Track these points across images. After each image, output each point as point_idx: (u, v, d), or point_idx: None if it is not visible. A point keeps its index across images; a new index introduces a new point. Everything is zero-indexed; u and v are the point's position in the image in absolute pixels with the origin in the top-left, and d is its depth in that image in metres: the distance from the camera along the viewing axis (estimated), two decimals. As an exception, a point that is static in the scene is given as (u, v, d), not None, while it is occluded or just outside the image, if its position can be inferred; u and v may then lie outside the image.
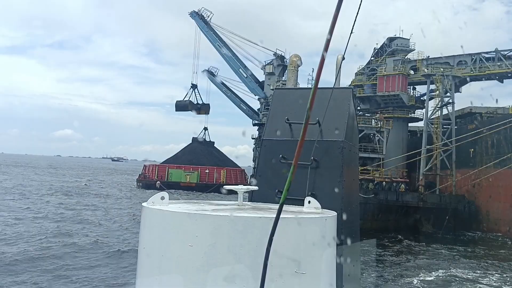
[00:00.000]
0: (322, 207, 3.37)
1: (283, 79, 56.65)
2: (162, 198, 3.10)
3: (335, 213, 3.14)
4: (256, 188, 3.60)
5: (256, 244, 2.78)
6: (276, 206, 3.59)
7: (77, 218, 30.53)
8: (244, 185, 3.54)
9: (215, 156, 71.78)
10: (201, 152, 69.98)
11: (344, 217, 3.68)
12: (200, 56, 71.14)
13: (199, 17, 63.53)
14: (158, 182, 47.70)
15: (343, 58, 4.03)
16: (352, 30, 3.30)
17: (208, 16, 63.76)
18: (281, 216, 2.97)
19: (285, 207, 3.52)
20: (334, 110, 3.98)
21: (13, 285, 14.61)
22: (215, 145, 77.11)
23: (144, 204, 3.06)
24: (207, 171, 64.92)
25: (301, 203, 3.49)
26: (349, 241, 3.86)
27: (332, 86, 4.25)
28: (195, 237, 2.77)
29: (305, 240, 2.87)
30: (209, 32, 63.13)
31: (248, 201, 3.97)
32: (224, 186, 3.58)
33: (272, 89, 50.05)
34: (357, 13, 3.14)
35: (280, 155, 3.97)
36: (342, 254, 3.60)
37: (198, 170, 65.04)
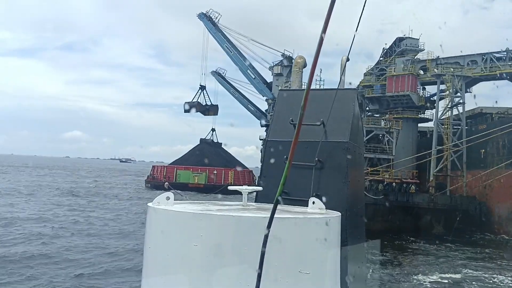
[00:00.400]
0: (327, 208, 3.37)
1: (291, 80, 56.58)
2: (168, 198, 3.14)
3: (339, 214, 3.14)
4: (260, 188, 3.62)
5: (260, 244, 2.79)
6: (281, 207, 3.61)
7: (85, 218, 30.84)
8: (250, 185, 3.56)
9: (223, 157, 71.96)
10: (209, 153, 70.17)
11: (349, 218, 3.68)
12: (208, 57, 71.29)
13: (207, 19, 63.78)
14: (167, 183, 47.94)
15: (348, 59, 4.03)
16: (356, 31, 3.30)
17: (216, 18, 63.99)
18: (285, 216, 2.99)
19: (289, 208, 3.54)
20: (338, 111, 3.98)
21: (20, 283, 14.83)
22: (222, 146, 77.34)
23: (149, 204, 3.10)
24: (215, 172, 65.10)
25: (306, 204, 3.51)
26: (354, 242, 3.86)
27: (337, 87, 4.24)
28: (200, 237, 2.80)
29: (309, 240, 2.88)
30: (217, 33, 63.33)
31: (254, 202, 3.99)
32: (228, 187, 3.62)
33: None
34: (361, 16, 3.15)
35: (285, 156, 3.99)
36: (347, 255, 3.60)
37: (206, 171, 65.25)
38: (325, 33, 1.42)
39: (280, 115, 4.27)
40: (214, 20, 63.84)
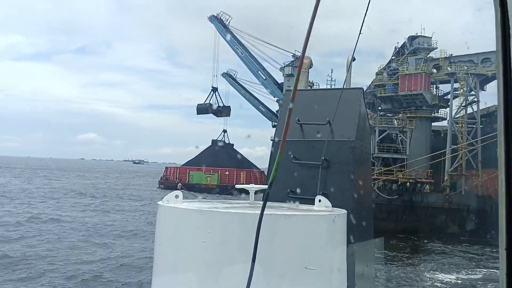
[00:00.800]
0: (334, 206, 3.42)
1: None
2: (177, 196, 3.23)
3: (344, 211, 3.19)
4: (265, 187, 3.69)
5: (266, 241, 2.86)
6: (287, 205, 3.67)
7: (100, 219, 31.33)
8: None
9: (234, 158, 72.20)
10: (221, 154, 70.51)
11: (356, 216, 3.72)
12: (219, 59, 71.68)
13: (218, 21, 64.20)
14: (180, 184, 48.43)
15: (354, 59, 4.07)
16: (360, 31, 3.35)
17: (227, 20, 64.38)
18: (291, 213, 3.05)
19: (296, 206, 3.60)
20: (344, 110, 4.03)
21: (37, 279, 15.23)
22: (234, 147, 77.63)
23: (159, 202, 3.20)
24: (227, 173, 65.39)
25: (313, 202, 3.56)
26: (361, 240, 3.89)
27: (342, 86, 4.29)
28: (208, 234, 2.89)
29: (314, 237, 2.94)
30: (228, 35, 63.67)
31: (262, 200, 4.06)
32: (235, 186, 3.70)
33: (292, 91, 49.79)
34: (365, 16, 3.20)
35: (291, 156, 4.05)
36: (354, 253, 3.64)
37: (218, 172, 65.60)
38: (308, 37, 1.50)
39: (286, 115, 4.34)
40: (225, 22, 64.25)
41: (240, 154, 76.76)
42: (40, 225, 27.04)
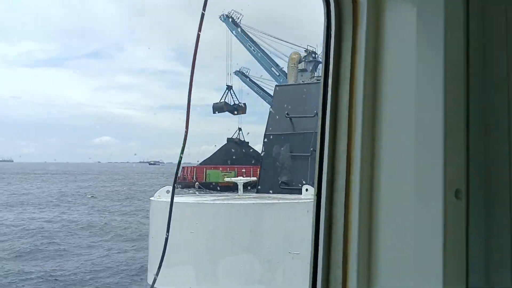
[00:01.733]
0: None
1: (316, 75, 56.28)
2: (168, 191, 3.41)
3: None
4: (254, 179, 3.83)
5: (251, 228, 3.00)
6: (276, 195, 3.80)
7: (124, 222, 32.01)
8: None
9: (250, 155, 72.35)
10: (237, 152, 70.74)
11: None
12: (231, 58, 72.05)
13: (229, 20, 64.50)
14: (197, 183, 48.98)
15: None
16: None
17: (238, 18, 64.59)
18: (274, 202, 3.18)
19: (283, 196, 3.72)
20: None
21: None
22: (249, 145, 77.77)
23: (151, 198, 3.38)
24: (244, 170, 65.60)
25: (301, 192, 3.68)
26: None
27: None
28: (196, 225, 3.05)
29: (296, 223, 3.07)
30: (240, 33, 63.95)
31: (255, 193, 4.19)
32: (225, 179, 3.86)
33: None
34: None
35: (282, 148, 4.17)
36: None
37: (235, 169, 65.86)
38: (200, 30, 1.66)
39: (277, 109, 4.46)
40: (236, 20, 64.49)
41: (256, 151, 77.04)
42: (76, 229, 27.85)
